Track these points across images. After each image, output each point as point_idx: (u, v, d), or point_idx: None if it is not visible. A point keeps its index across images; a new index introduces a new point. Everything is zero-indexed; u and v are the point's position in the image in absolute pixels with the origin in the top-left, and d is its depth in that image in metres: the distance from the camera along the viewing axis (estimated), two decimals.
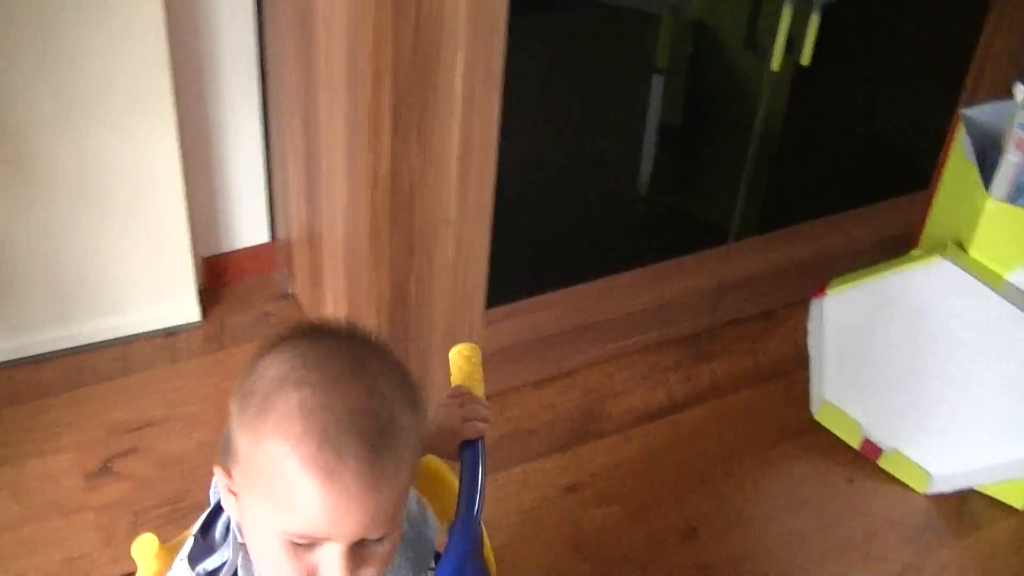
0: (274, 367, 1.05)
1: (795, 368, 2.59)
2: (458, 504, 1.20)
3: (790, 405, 2.53)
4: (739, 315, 2.72)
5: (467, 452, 1.27)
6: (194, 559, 1.17)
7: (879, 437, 2.41)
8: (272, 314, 2.72)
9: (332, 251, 2.36)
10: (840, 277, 2.35)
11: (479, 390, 1.36)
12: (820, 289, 2.37)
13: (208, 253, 2.74)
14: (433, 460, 1.39)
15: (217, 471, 1.12)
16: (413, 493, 1.28)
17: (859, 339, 2.37)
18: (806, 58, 2.29)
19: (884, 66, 2.59)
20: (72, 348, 2.59)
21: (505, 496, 2.29)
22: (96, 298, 2.58)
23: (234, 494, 1.11)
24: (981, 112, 2.29)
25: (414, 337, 2.27)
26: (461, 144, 2.06)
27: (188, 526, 2.10)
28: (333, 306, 2.44)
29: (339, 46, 2.05)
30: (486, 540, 1.38)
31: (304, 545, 1.05)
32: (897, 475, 2.40)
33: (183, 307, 2.66)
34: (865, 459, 2.43)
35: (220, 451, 1.11)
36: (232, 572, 1.14)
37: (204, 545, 1.18)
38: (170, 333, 2.65)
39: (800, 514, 2.33)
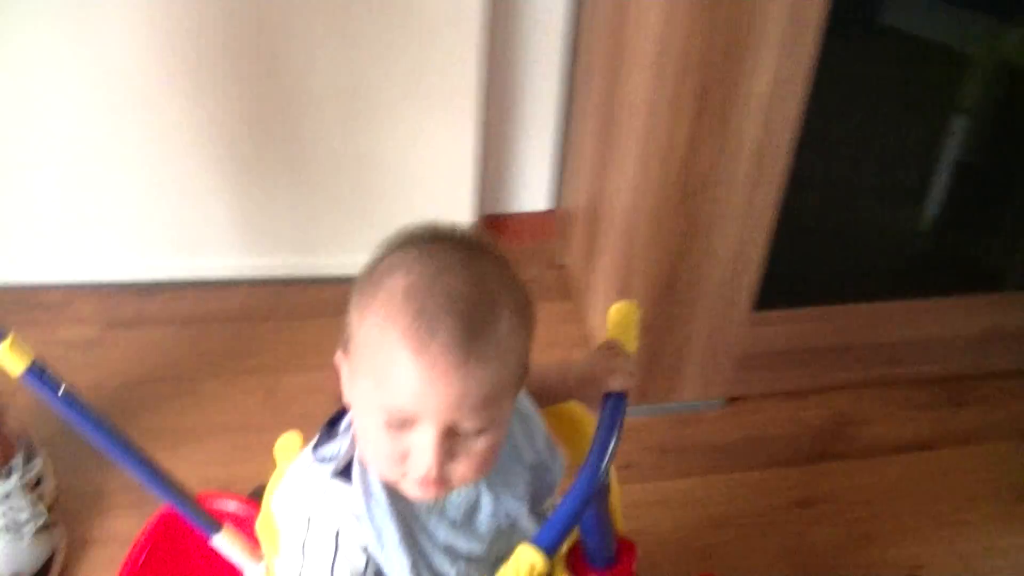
0: (389, 258, 1.15)
1: None
2: (590, 450, 1.23)
3: None
4: (1005, 367, 2.65)
5: (608, 403, 1.28)
6: (317, 446, 1.25)
7: None
8: (539, 281, 2.79)
9: (610, 228, 2.41)
10: None
11: (631, 347, 1.36)
12: None
13: (489, 211, 2.84)
14: (575, 407, 1.42)
15: (338, 356, 1.20)
16: (545, 431, 1.34)
17: None
18: None
19: None
20: (345, 276, 2.71)
21: (737, 497, 2.31)
22: (382, 232, 2.69)
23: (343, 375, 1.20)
24: None
25: (677, 325, 2.30)
26: (756, 144, 2.07)
27: None
28: (602, 281, 2.50)
29: (653, 28, 2.08)
30: (615, 492, 1.41)
31: (400, 426, 1.11)
32: None
33: None
34: None
35: (341, 341, 1.19)
36: (347, 459, 1.21)
37: (328, 434, 1.26)
38: None
39: None
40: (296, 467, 1.27)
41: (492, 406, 1.12)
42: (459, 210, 2.70)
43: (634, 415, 2.41)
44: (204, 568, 1.65)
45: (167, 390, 2.42)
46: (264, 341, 2.56)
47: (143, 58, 2.40)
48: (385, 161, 2.62)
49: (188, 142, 2.50)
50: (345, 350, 1.18)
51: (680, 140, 2.06)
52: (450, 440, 1.12)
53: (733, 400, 2.49)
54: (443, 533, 1.24)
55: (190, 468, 2.11)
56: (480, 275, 1.12)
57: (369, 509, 1.19)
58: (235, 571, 1.57)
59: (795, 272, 2.34)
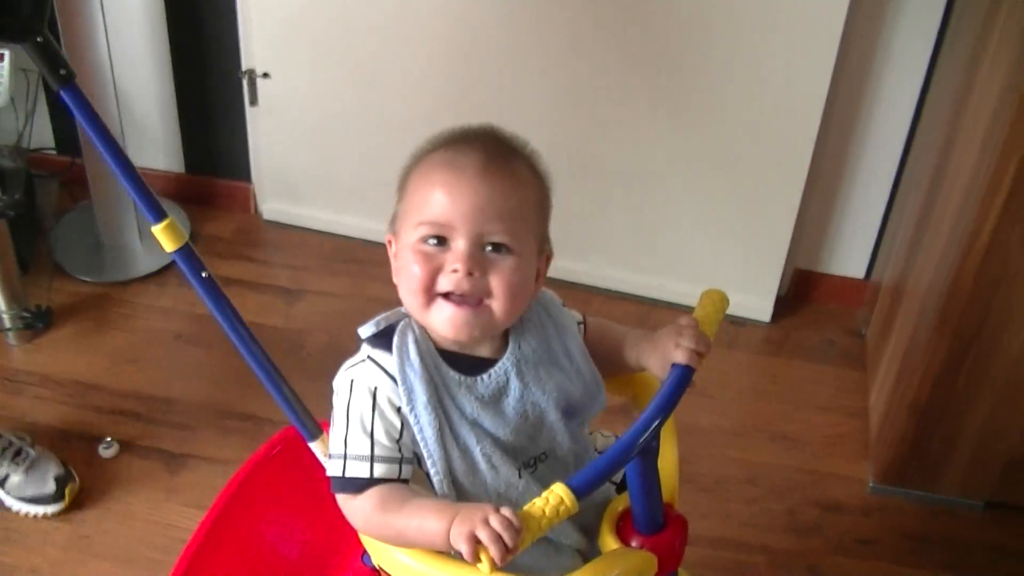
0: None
1: None
2: (644, 409, 1.29)
3: None
4: None
5: (672, 372, 1.33)
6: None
7: None
8: (837, 344, 2.78)
9: (910, 306, 2.37)
10: None
11: (709, 330, 1.40)
12: None
13: (802, 266, 2.85)
14: (649, 376, 1.47)
15: (387, 239, 1.40)
16: (584, 352, 1.45)
17: None
18: None
19: None
20: (642, 297, 2.84)
21: None
22: (682, 262, 2.80)
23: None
24: None
25: (951, 416, 2.25)
26: None
27: None
28: (889, 358, 2.46)
29: (985, 114, 2.06)
30: (670, 462, 1.45)
31: (435, 243, 1.31)
32: None
33: (757, 303, 2.80)
34: None
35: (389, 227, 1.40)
36: (387, 323, 1.38)
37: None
38: (736, 322, 2.80)
39: None
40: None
41: (513, 221, 1.32)
42: (773, 258, 2.73)
43: (888, 495, 2.39)
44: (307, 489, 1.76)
45: None
46: None
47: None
48: (711, 195, 2.70)
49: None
50: (392, 229, 1.39)
51: (986, 228, 2.01)
52: (479, 254, 1.31)
53: (993, 505, 2.39)
54: (470, 407, 1.36)
55: None
56: (503, 142, 1.38)
57: (403, 370, 1.34)
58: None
59: None
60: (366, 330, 1.38)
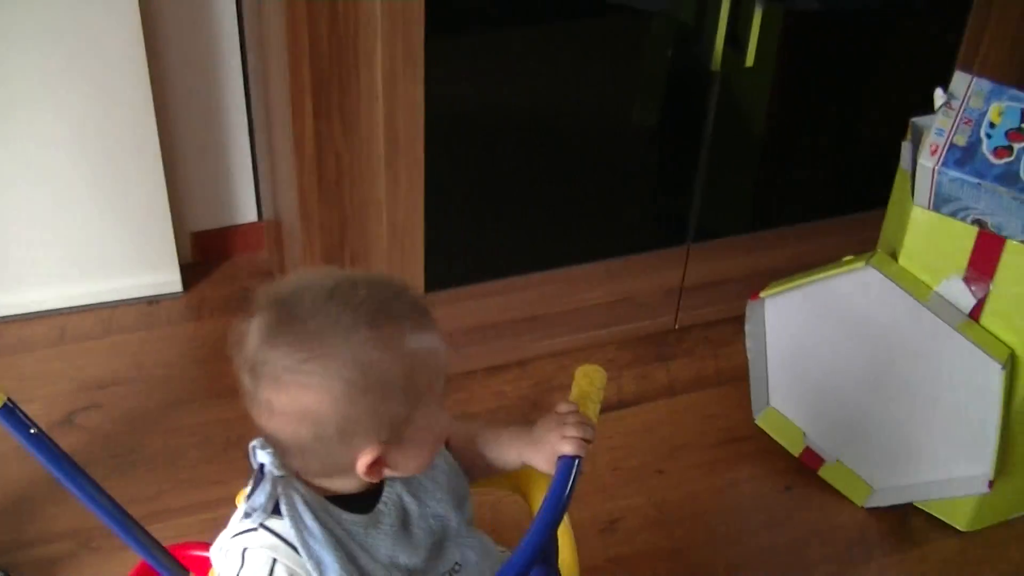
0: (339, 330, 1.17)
1: None
2: (537, 512, 1.23)
3: (741, 410, 2.51)
4: (705, 319, 2.71)
5: (560, 466, 1.28)
6: (248, 498, 1.21)
7: (822, 447, 2.38)
8: (251, 290, 2.80)
9: (288, 236, 2.43)
10: (776, 281, 2.32)
11: (591, 412, 1.36)
12: (756, 292, 2.34)
13: (198, 228, 2.86)
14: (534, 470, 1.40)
15: (371, 452, 1.17)
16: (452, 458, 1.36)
17: (798, 346, 2.34)
18: (749, 59, 2.28)
19: (861, 76, 2.55)
20: (59, 309, 2.74)
21: None
22: (87, 263, 2.72)
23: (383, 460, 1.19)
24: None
25: None
26: (386, 128, 2.10)
27: (135, 477, 2.30)
28: None
29: (275, 25, 2.12)
30: (571, 551, 1.41)
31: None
32: (837, 486, 2.36)
33: (164, 278, 2.77)
34: (806, 468, 2.40)
35: (367, 433, 1.17)
36: (275, 499, 1.19)
37: (256, 481, 1.23)
38: (152, 301, 2.78)
39: (729, 518, 2.32)
40: (233, 518, 1.24)
41: None
42: (161, 229, 2.70)
43: None
44: None
45: None
46: None
47: None
48: (88, 197, 2.63)
49: None
50: (387, 433, 1.18)
51: (308, 136, 2.09)
52: None
53: None
54: (384, 548, 1.24)
55: None
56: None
57: (304, 542, 1.18)
58: None
59: (469, 248, 2.38)
60: (258, 516, 1.18)
